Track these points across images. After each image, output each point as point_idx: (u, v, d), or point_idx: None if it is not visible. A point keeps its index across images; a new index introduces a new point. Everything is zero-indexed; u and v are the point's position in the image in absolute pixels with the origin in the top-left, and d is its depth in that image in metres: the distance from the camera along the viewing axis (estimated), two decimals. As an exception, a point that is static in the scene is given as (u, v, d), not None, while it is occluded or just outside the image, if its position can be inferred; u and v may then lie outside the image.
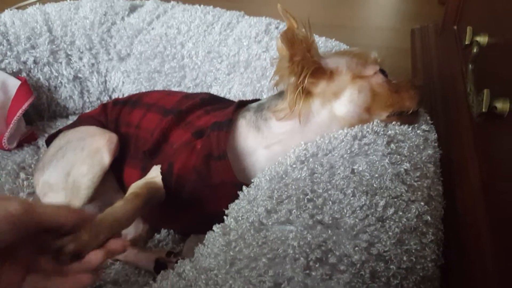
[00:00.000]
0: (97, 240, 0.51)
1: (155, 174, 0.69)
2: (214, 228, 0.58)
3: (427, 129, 0.70)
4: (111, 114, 0.81)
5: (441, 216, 0.61)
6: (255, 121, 0.67)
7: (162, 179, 0.68)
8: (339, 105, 0.64)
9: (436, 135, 0.70)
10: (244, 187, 0.66)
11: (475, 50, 0.64)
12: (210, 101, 0.77)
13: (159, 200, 0.68)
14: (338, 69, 0.64)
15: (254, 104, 0.70)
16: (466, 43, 0.66)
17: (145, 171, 0.72)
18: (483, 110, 0.52)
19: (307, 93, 0.63)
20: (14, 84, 0.93)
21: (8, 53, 0.97)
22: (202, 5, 1.05)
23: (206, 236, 0.60)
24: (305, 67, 0.61)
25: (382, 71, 0.66)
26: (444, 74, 0.87)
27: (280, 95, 0.67)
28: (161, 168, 0.69)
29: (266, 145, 0.66)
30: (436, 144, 0.69)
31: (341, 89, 0.64)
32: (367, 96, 0.64)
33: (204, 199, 0.69)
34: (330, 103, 0.64)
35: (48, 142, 0.83)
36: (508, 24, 0.55)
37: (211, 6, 1.05)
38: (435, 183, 0.63)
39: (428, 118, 0.73)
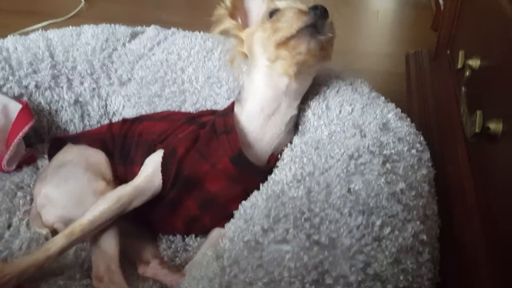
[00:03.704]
0: (7, 285, 0.60)
1: (150, 164, 0.74)
2: (208, 252, 0.58)
3: (420, 149, 0.71)
4: (120, 130, 0.85)
5: (437, 235, 0.62)
6: (239, 98, 0.77)
7: (162, 164, 0.72)
8: (253, 58, 0.75)
9: (429, 155, 0.71)
10: (240, 206, 0.66)
11: (467, 73, 0.66)
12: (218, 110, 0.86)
13: (145, 200, 0.72)
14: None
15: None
16: (459, 66, 0.67)
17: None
18: (477, 130, 0.53)
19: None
20: (15, 107, 0.94)
21: (10, 78, 0.98)
22: (202, 32, 1.08)
23: (198, 257, 0.65)
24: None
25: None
26: (438, 97, 0.88)
27: None
28: (163, 153, 0.73)
29: (245, 108, 0.75)
30: (430, 164, 0.70)
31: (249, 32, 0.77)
32: (259, 47, 0.73)
33: (204, 178, 0.73)
34: (251, 56, 0.76)
35: (52, 147, 0.87)
36: (497, 48, 0.56)
37: (211, 34, 1.07)
38: (430, 202, 0.64)
39: (422, 138, 0.74)
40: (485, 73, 0.64)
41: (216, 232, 0.77)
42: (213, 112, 0.88)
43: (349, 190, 0.59)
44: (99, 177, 0.75)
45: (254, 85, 0.75)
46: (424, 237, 0.56)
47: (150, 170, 0.74)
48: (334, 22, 0.72)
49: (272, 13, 0.72)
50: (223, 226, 0.72)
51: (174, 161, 0.73)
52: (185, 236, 0.81)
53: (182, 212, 0.76)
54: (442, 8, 0.97)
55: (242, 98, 0.77)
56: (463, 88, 0.67)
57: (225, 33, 0.79)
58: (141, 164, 0.77)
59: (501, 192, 0.54)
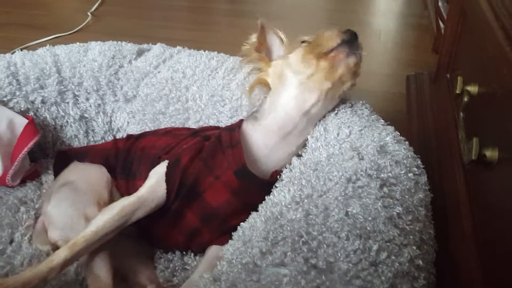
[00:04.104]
0: None
1: (155, 176, 0.76)
2: (205, 274, 0.59)
3: (418, 172, 0.72)
4: (124, 145, 0.87)
5: (433, 259, 0.62)
6: (252, 117, 0.82)
7: (166, 173, 0.74)
8: (282, 74, 0.80)
9: (426, 179, 0.72)
10: (239, 228, 0.68)
11: (465, 99, 0.67)
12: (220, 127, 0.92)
13: (148, 211, 0.73)
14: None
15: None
16: (457, 92, 0.68)
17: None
18: (473, 157, 0.54)
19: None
20: (21, 122, 0.96)
21: (17, 93, 1.00)
22: (206, 51, 1.10)
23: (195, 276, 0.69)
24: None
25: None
26: (438, 120, 0.89)
27: None
28: (168, 163, 0.76)
29: (262, 125, 0.79)
30: (427, 188, 0.71)
31: (280, 64, 0.82)
32: (292, 61, 0.80)
33: (207, 190, 0.75)
34: (278, 75, 0.81)
35: (57, 161, 0.90)
36: (493, 77, 0.58)
37: (215, 52, 1.09)
38: (426, 227, 0.65)
39: (419, 162, 0.75)
40: (482, 100, 0.65)
41: (213, 250, 0.77)
42: (216, 128, 0.91)
43: (347, 214, 0.60)
44: (94, 201, 0.76)
45: (278, 105, 0.79)
46: (420, 262, 0.57)
47: (154, 181, 0.75)
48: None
49: (303, 42, 0.80)
50: (221, 243, 0.74)
51: (178, 170, 0.75)
52: (183, 253, 0.82)
53: (184, 225, 0.77)
54: (442, 31, 0.98)
55: (259, 116, 0.80)
56: (461, 114, 0.68)
57: (251, 63, 0.88)
58: (145, 177, 0.78)
59: (496, 219, 0.55)
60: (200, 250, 0.81)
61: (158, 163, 0.79)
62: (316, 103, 0.78)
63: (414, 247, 0.58)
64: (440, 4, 0.96)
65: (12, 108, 0.99)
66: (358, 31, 0.78)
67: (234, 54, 1.09)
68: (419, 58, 1.64)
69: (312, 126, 0.80)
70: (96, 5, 2.28)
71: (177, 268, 0.79)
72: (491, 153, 0.54)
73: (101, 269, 0.70)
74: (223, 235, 0.74)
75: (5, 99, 0.99)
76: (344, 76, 0.76)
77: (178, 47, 1.13)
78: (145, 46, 1.14)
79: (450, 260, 0.64)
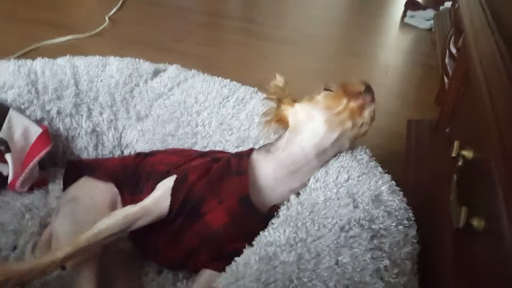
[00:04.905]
0: (9, 284, 0.66)
1: (161, 188, 0.80)
2: None
3: (408, 225, 0.75)
4: (133, 162, 0.92)
5: (414, 313, 0.66)
6: (264, 148, 0.85)
7: (173, 187, 0.79)
8: (307, 114, 0.84)
9: (415, 232, 0.75)
10: (233, 263, 0.71)
11: (460, 163, 0.71)
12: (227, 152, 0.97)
13: (150, 221, 0.78)
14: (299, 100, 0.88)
15: (262, 145, 0.89)
16: (453, 155, 0.72)
17: None
18: (460, 226, 0.58)
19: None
20: (35, 131, 1.00)
21: (35, 101, 1.04)
22: (220, 77, 1.14)
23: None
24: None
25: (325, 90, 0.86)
26: (433, 174, 0.93)
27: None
28: (176, 177, 0.80)
29: (275, 158, 0.82)
30: (415, 240, 0.74)
31: (304, 106, 0.86)
32: (321, 103, 0.84)
33: (209, 212, 0.79)
34: (301, 115, 0.84)
35: (67, 172, 0.95)
36: (487, 146, 0.61)
37: (228, 80, 1.13)
38: (411, 280, 0.68)
39: (410, 214, 0.78)
40: (475, 166, 0.69)
41: (207, 274, 0.81)
42: (225, 152, 0.96)
43: (337, 262, 0.64)
44: (93, 221, 0.78)
45: (296, 141, 0.82)
46: (401, 317, 0.60)
47: (160, 193, 0.80)
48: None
49: (326, 90, 0.86)
50: (215, 268, 0.79)
51: (185, 186, 0.79)
52: (176, 278, 0.86)
53: (183, 243, 0.81)
54: (446, 86, 1.02)
55: (273, 149, 0.84)
56: (455, 176, 0.71)
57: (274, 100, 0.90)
58: (151, 192, 0.82)
59: (481, 283, 0.58)
60: (194, 270, 0.85)
61: (166, 177, 0.83)
62: (334, 143, 0.83)
63: (397, 301, 0.62)
64: (447, 61, 1.00)
65: (28, 116, 1.03)
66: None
67: (244, 75, 1.13)
68: (424, 99, 1.67)
69: (319, 167, 0.84)
70: (115, 9, 2.34)
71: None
72: (478, 223, 0.58)
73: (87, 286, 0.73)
74: (218, 260, 0.78)
75: (23, 106, 1.03)
76: (365, 118, 0.83)
77: (193, 71, 1.17)
78: (161, 66, 1.18)
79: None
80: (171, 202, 0.78)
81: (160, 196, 0.79)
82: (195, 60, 1.92)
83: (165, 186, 0.80)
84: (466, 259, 0.63)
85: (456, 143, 0.72)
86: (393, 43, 2.41)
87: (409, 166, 1.06)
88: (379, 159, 0.91)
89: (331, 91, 0.86)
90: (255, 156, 0.84)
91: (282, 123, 0.86)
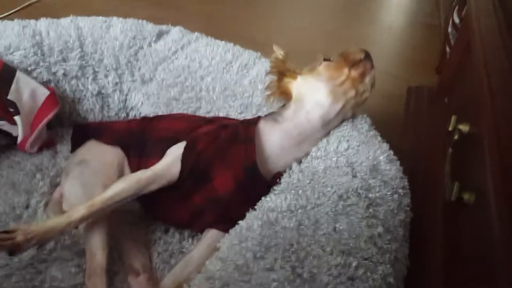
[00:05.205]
0: (29, 243, 0.71)
1: (171, 154, 0.84)
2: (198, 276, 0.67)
3: (402, 193, 0.79)
4: (138, 126, 0.95)
5: (404, 275, 0.71)
6: (271, 117, 0.88)
7: (183, 154, 0.82)
8: (311, 86, 0.86)
9: (409, 200, 0.79)
10: (237, 226, 0.75)
11: (456, 137, 0.74)
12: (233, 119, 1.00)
13: (161, 185, 0.81)
14: (300, 72, 0.90)
15: (269, 113, 0.92)
16: (450, 129, 0.75)
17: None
18: (452, 199, 0.62)
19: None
20: (42, 93, 1.02)
21: (41, 63, 1.06)
22: (223, 41, 1.14)
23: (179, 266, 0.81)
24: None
25: (325, 60, 0.88)
26: (430, 142, 0.96)
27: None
28: (185, 144, 0.83)
29: (282, 128, 0.85)
30: (408, 208, 0.78)
31: (307, 78, 0.87)
32: (323, 73, 0.86)
33: (217, 178, 0.82)
34: (306, 87, 0.86)
35: (75, 135, 0.98)
36: (481, 120, 0.64)
37: (231, 44, 1.14)
38: (402, 246, 0.72)
39: (406, 183, 0.82)
40: (470, 140, 0.72)
41: (212, 234, 0.86)
42: (229, 118, 0.98)
43: (334, 229, 0.68)
44: (102, 183, 0.83)
45: (302, 112, 0.85)
46: (391, 279, 0.65)
47: (170, 160, 0.83)
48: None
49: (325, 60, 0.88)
50: (220, 228, 0.83)
51: (194, 154, 0.82)
52: (182, 238, 0.90)
53: (190, 204, 0.85)
54: (448, 56, 1.04)
55: (280, 119, 0.86)
56: (450, 149, 0.75)
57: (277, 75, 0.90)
58: (159, 157, 0.85)
59: (464, 254, 0.63)
60: (200, 230, 0.89)
61: (174, 143, 0.86)
62: (339, 113, 0.86)
63: (388, 265, 0.66)
64: (449, 30, 1.01)
65: (35, 78, 1.04)
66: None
67: (244, 31, 1.12)
68: (425, 60, 1.67)
69: (324, 137, 0.86)
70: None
71: (175, 251, 0.88)
72: (468, 197, 0.61)
73: (98, 249, 0.78)
74: (223, 222, 0.82)
75: (29, 68, 1.04)
76: (367, 86, 0.86)
77: (196, 34, 1.17)
78: (164, 27, 1.18)
79: (419, 277, 0.72)
80: (181, 168, 0.81)
81: (170, 163, 0.82)
82: (194, 17, 1.90)
83: (175, 153, 0.83)
84: (454, 229, 0.68)
85: (453, 118, 0.75)
86: (396, 2, 2.38)
87: (407, 133, 1.09)
88: (378, 122, 0.94)
89: (331, 60, 0.88)
90: (262, 124, 0.87)
91: (285, 95, 0.88)
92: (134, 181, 0.80)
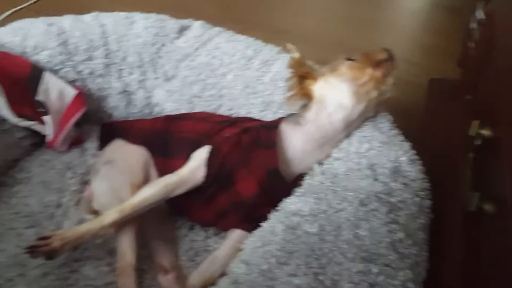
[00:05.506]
0: (65, 247, 0.77)
1: (196, 159, 0.86)
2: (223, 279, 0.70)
3: (423, 195, 0.80)
4: (162, 126, 0.98)
5: (423, 279, 0.72)
6: (293, 119, 0.88)
7: (208, 158, 0.84)
8: (334, 87, 0.85)
9: (430, 202, 0.81)
10: (261, 228, 0.78)
11: (478, 142, 0.74)
12: (255, 119, 1.01)
13: (186, 189, 0.85)
14: (321, 71, 0.89)
15: (290, 114, 0.92)
16: (471, 134, 0.75)
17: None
18: (472, 209, 0.63)
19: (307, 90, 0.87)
20: (70, 92, 1.05)
21: (67, 63, 1.08)
22: (244, 36, 1.15)
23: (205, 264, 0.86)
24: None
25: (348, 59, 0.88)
26: (451, 141, 0.96)
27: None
28: (210, 149, 0.86)
29: (304, 131, 0.86)
30: (428, 211, 0.79)
31: (329, 79, 0.87)
32: (346, 74, 0.85)
33: (239, 181, 0.85)
34: (329, 88, 0.86)
35: (102, 133, 1.03)
36: (502, 125, 0.64)
37: (252, 39, 1.14)
38: (422, 249, 0.74)
39: (426, 185, 0.83)
40: (493, 146, 0.72)
41: (236, 234, 0.89)
42: (252, 120, 1.00)
43: (356, 235, 0.70)
44: (129, 183, 0.88)
45: (324, 114, 0.85)
46: (411, 285, 0.67)
47: (195, 164, 0.86)
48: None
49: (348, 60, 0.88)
50: (244, 229, 0.87)
51: (218, 158, 0.85)
52: (207, 236, 0.93)
53: (214, 205, 0.88)
54: (470, 52, 1.03)
55: (302, 122, 0.87)
56: (471, 154, 0.75)
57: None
58: (184, 159, 0.88)
59: (482, 261, 0.64)
60: (224, 229, 0.93)
61: (198, 146, 0.89)
62: (362, 114, 0.86)
63: (408, 271, 0.68)
64: (473, 25, 1.00)
65: (62, 78, 1.07)
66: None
67: (270, 39, 1.14)
68: (446, 48, 1.64)
69: (346, 138, 0.87)
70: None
71: (200, 249, 0.91)
72: (488, 207, 0.62)
73: (128, 249, 0.82)
74: (247, 222, 0.85)
75: (56, 68, 1.07)
76: (389, 86, 0.86)
77: (217, 28, 1.18)
78: (186, 22, 1.19)
79: (438, 281, 0.74)
80: (206, 172, 0.84)
81: (196, 167, 0.85)
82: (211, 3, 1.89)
83: (200, 157, 0.86)
84: (474, 237, 0.69)
85: (475, 123, 0.75)
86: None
87: (428, 129, 1.09)
88: (397, 112, 0.94)
89: (353, 60, 0.88)
90: (283, 127, 0.88)
91: (306, 96, 0.88)
92: (162, 186, 0.83)
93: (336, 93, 0.85)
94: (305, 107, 0.89)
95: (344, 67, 0.87)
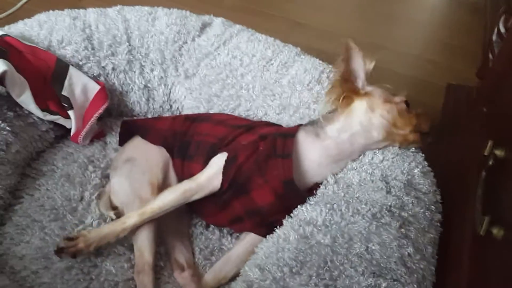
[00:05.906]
0: (89, 248, 0.82)
1: (214, 166, 0.89)
2: (239, 282, 0.73)
3: (434, 209, 0.83)
4: (181, 127, 1.00)
5: (429, 293, 0.75)
6: (313, 130, 0.89)
7: (224, 166, 0.87)
8: (373, 116, 0.86)
9: (440, 216, 0.83)
10: (275, 234, 0.81)
11: (491, 162, 0.75)
12: (273, 124, 1.03)
13: (203, 195, 0.88)
14: (372, 92, 0.89)
15: (310, 122, 0.94)
16: (485, 154, 0.77)
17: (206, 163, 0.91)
18: (481, 233, 0.65)
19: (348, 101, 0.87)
20: (93, 87, 1.08)
21: (91, 58, 1.11)
22: (264, 36, 1.16)
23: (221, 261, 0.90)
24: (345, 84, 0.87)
25: (406, 103, 0.89)
26: (465, 153, 0.98)
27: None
28: (227, 156, 0.88)
29: (322, 145, 0.87)
30: (438, 224, 0.82)
31: (375, 106, 0.87)
32: (393, 116, 0.86)
33: (255, 190, 0.87)
34: (368, 114, 0.86)
35: (123, 130, 1.05)
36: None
37: (272, 39, 1.15)
38: (430, 263, 0.77)
39: (438, 198, 0.85)
40: (507, 167, 0.73)
41: (251, 237, 0.92)
42: (269, 124, 1.02)
43: (367, 249, 0.73)
44: (149, 182, 0.92)
45: (347, 134, 0.87)
46: (417, 299, 0.70)
47: (213, 172, 0.89)
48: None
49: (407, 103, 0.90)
50: (259, 233, 0.90)
51: (235, 166, 0.87)
52: (221, 235, 0.97)
53: (229, 211, 0.91)
54: (490, 63, 1.03)
55: (322, 134, 0.88)
56: (483, 173, 0.77)
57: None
58: (202, 163, 0.92)
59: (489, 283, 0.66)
60: (239, 232, 0.97)
61: (215, 152, 0.91)
62: (381, 145, 0.89)
63: (415, 285, 0.71)
64: (494, 38, 1.00)
65: (85, 72, 1.10)
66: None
67: (289, 38, 1.14)
68: (464, 49, 1.63)
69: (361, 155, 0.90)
70: None
71: (215, 248, 0.95)
72: (497, 231, 0.64)
73: (146, 248, 0.86)
74: (261, 227, 0.89)
75: (80, 62, 1.10)
76: (411, 146, 0.90)
77: (238, 26, 1.19)
78: (207, 19, 1.20)
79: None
80: (222, 180, 0.87)
81: (213, 175, 0.88)
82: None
83: (217, 165, 0.88)
84: (480, 257, 0.71)
85: (490, 143, 0.76)
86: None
87: (443, 137, 1.10)
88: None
89: (408, 106, 0.89)
90: (301, 137, 0.89)
91: (344, 106, 0.87)
92: (180, 192, 0.87)
93: (371, 123, 0.86)
94: (326, 117, 0.89)
95: (396, 108, 0.88)
